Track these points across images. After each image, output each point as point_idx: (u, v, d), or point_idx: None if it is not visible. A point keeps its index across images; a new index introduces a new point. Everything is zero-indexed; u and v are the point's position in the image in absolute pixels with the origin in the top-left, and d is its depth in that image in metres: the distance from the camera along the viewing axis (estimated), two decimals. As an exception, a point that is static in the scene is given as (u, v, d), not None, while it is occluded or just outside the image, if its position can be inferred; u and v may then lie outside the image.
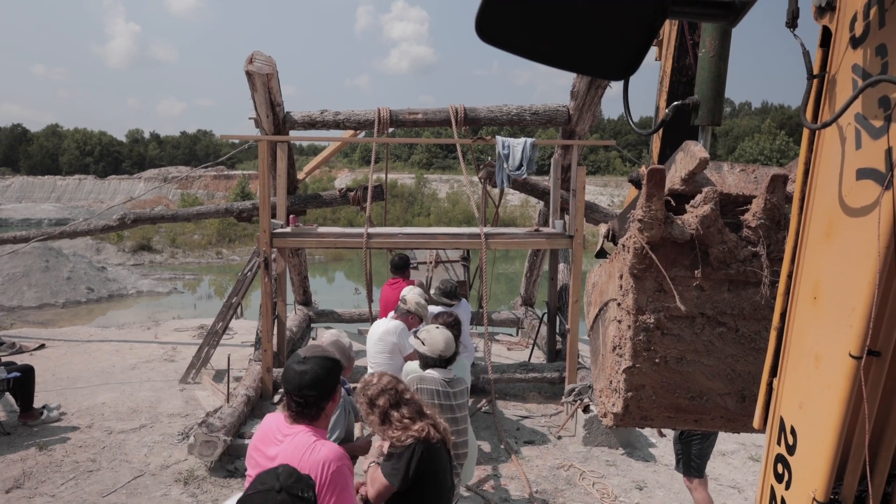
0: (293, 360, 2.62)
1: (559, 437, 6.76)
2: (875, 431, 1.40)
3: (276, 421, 2.64)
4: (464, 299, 6.71)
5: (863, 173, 1.34)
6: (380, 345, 5.17)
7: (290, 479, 2.05)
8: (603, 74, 1.33)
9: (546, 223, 9.16)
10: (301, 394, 2.52)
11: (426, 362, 3.87)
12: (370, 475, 3.07)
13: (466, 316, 6.66)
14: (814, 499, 1.46)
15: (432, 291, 6.81)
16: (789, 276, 1.64)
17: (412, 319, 5.34)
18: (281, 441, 2.55)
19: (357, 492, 3.04)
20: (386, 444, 3.07)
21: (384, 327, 5.25)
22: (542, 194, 9.38)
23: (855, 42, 1.36)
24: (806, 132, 1.55)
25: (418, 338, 3.94)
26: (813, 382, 1.50)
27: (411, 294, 5.44)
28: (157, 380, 8.32)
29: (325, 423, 2.65)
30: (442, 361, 3.84)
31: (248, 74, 7.72)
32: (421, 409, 3.07)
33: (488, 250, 7.12)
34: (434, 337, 3.87)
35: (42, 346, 9.98)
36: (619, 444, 6.54)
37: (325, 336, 4.08)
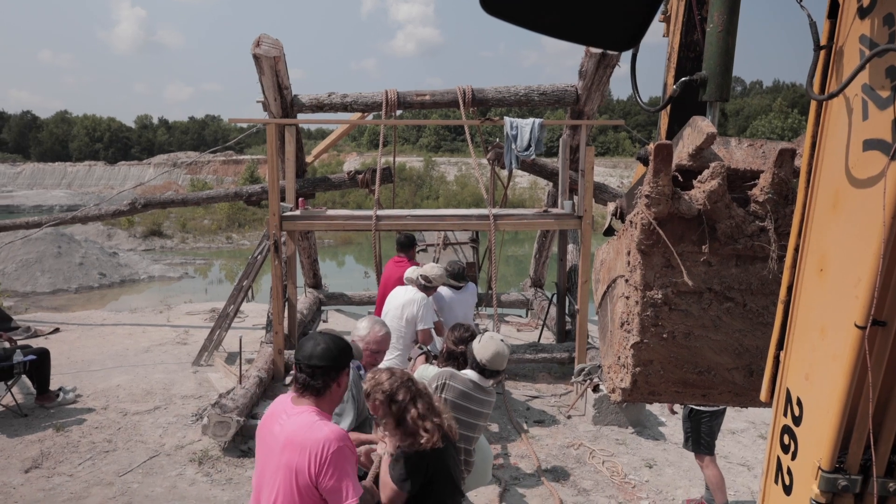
0: (310, 335, 2.68)
1: (569, 417, 6.80)
2: (880, 401, 1.42)
3: (283, 402, 2.68)
4: (471, 283, 6.73)
5: (869, 144, 1.34)
6: (399, 311, 5.23)
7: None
8: (607, 45, 1.34)
9: (555, 204, 9.14)
10: (310, 363, 2.55)
11: (469, 360, 3.76)
12: (382, 476, 2.93)
13: (473, 299, 6.68)
14: (819, 468, 1.48)
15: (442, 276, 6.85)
16: (796, 250, 1.65)
17: (434, 292, 5.50)
18: (284, 421, 2.57)
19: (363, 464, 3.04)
20: (391, 443, 2.95)
21: (409, 296, 5.31)
22: (550, 175, 9.36)
23: (862, 12, 1.36)
24: (813, 104, 1.54)
25: (481, 337, 3.80)
26: (819, 354, 1.52)
27: (434, 271, 5.53)
28: (170, 362, 8.41)
29: (330, 406, 2.64)
30: (480, 368, 3.70)
31: (256, 57, 7.71)
32: (432, 404, 2.96)
33: (497, 231, 7.12)
34: (485, 343, 3.71)
35: (57, 330, 10.10)
36: (629, 423, 6.57)
37: (362, 323, 4.02)
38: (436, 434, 2.84)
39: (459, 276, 6.42)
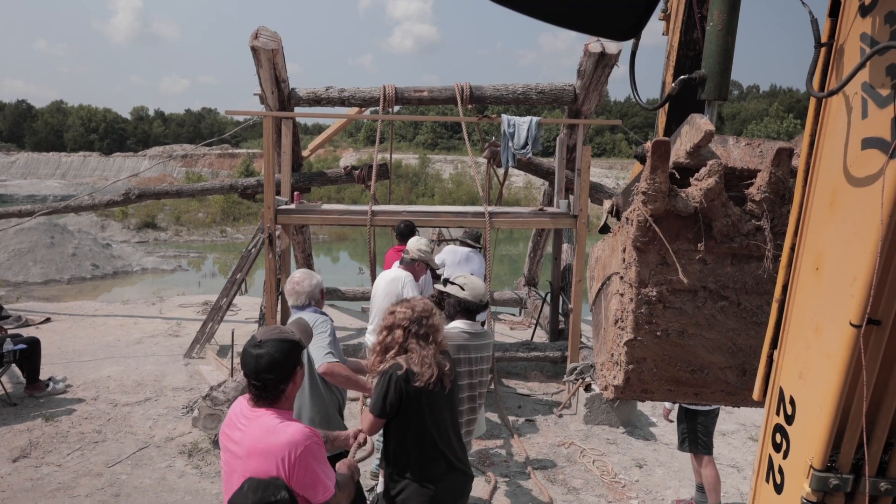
0: (249, 343, 2.54)
1: (560, 416, 6.81)
2: (873, 400, 1.41)
3: (240, 405, 2.59)
4: (481, 256, 7.08)
5: (868, 143, 1.34)
6: (386, 289, 5.27)
7: (258, 491, 2.10)
8: (607, 34, 1.33)
9: (550, 203, 9.14)
10: (259, 378, 2.45)
11: (465, 307, 3.77)
12: (363, 413, 3.13)
13: (480, 269, 6.88)
14: (811, 466, 1.48)
15: (458, 236, 7.22)
16: (792, 248, 1.64)
17: (419, 267, 5.45)
18: (244, 426, 2.49)
19: (355, 438, 3.11)
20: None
21: (392, 275, 5.36)
22: (546, 174, 9.36)
23: (864, 10, 1.35)
24: (812, 102, 1.54)
25: (455, 283, 3.80)
26: (813, 352, 1.51)
27: (413, 243, 5.56)
28: (162, 354, 8.38)
29: (289, 405, 2.59)
30: (467, 310, 3.77)
31: (254, 50, 7.68)
32: (430, 343, 3.06)
33: (492, 229, 7.12)
34: (473, 282, 3.80)
35: (48, 320, 10.05)
36: (620, 423, 6.58)
37: (297, 274, 3.99)
38: (399, 361, 2.98)
39: (477, 238, 7.02)
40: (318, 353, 3.65)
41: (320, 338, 3.67)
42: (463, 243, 6.96)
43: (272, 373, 2.45)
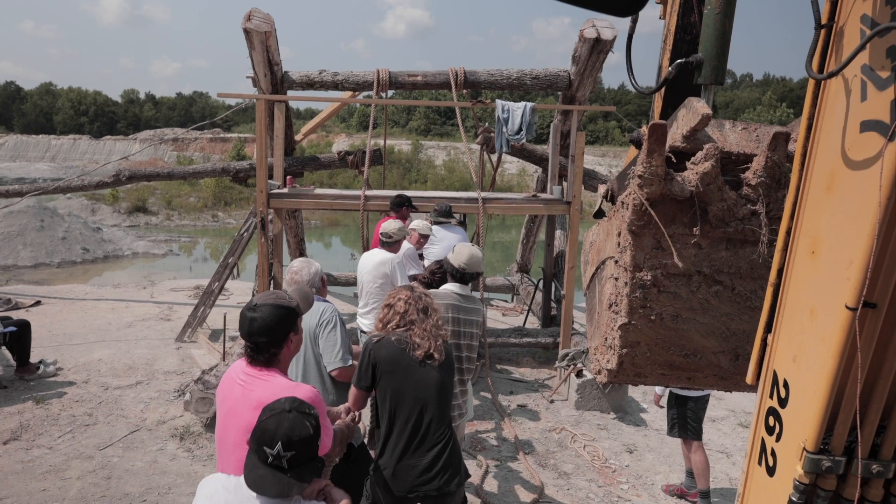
0: (247, 305, 2.63)
1: (552, 401, 6.84)
2: (866, 383, 1.42)
3: (240, 366, 2.67)
4: (459, 227, 7.01)
5: (867, 125, 1.33)
6: (375, 272, 5.27)
7: (296, 402, 2.23)
8: (609, 10, 1.32)
9: (544, 189, 9.13)
10: (251, 339, 2.56)
11: (449, 272, 3.98)
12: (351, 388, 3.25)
13: (464, 238, 6.87)
14: (804, 449, 1.48)
15: (428, 214, 7.04)
16: (788, 232, 1.64)
17: (397, 247, 5.52)
18: (245, 382, 2.57)
19: (347, 415, 3.19)
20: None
21: (379, 258, 5.36)
22: (539, 160, 9.35)
23: None
24: (811, 84, 1.54)
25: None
26: (807, 336, 1.52)
27: (390, 225, 5.61)
28: (153, 338, 8.36)
29: (285, 366, 2.69)
30: (459, 275, 3.91)
31: (246, 32, 7.60)
32: (428, 324, 3.15)
33: (484, 215, 7.11)
34: (459, 250, 3.96)
35: (38, 303, 9.99)
36: (611, 409, 6.62)
37: (295, 264, 3.94)
38: (379, 332, 3.14)
39: (446, 213, 6.81)
40: (331, 354, 3.57)
41: (332, 335, 3.60)
42: (435, 223, 6.82)
43: (264, 336, 2.55)
